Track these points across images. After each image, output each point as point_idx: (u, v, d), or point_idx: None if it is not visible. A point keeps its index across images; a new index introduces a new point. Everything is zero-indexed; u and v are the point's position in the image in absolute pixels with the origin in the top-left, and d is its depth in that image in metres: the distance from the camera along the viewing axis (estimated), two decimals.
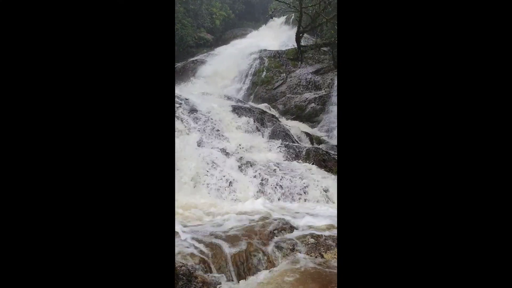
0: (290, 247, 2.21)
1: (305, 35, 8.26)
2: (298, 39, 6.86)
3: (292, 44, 8.78)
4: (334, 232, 2.48)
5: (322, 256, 2.17)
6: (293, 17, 10.33)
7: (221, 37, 12.69)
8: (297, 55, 7.34)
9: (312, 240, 2.26)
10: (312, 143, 5.84)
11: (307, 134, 6.21)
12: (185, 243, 2.15)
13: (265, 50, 9.18)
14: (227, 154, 4.47)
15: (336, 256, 2.18)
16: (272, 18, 10.97)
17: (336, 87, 7.60)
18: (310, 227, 2.62)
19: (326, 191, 3.78)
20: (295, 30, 8.06)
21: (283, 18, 11.79)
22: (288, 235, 2.39)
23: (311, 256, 2.15)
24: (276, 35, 11.26)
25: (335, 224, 2.70)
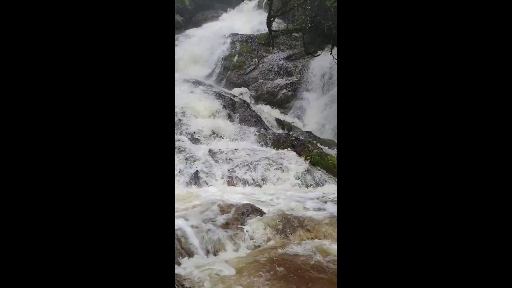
0: (257, 230, 2.26)
1: (277, 19, 8.16)
2: (269, 23, 6.76)
3: (264, 28, 8.67)
4: (300, 214, 2.57)
5: (287, 238, 2.25)
6: (265, 0, 10.15)
7: (191, 19, 12.18)
8: (269, 40, 7.27)
9: (279, 223, 2.34)
10: (283, 129, 5.92)
11: (278, 120, 6.28)
12: None
13: (236, 34, 8.98)
14: (196, 140, 4.40)
15: (301, 239, 2.28)
16: (244, 1, 10.67)
17: (307, 73, 7.68)
18: (278, 210, 2.69)
19: (295, 176, 3.88)
20: (267, 14, 7.93)
21: (255, 1, 11.53)
22: (256, 219, 2.44)
23: (277, 237, 2.22)
24: (248, 19, 11.02)
25: (301, 207, 2.80)
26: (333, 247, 2.09)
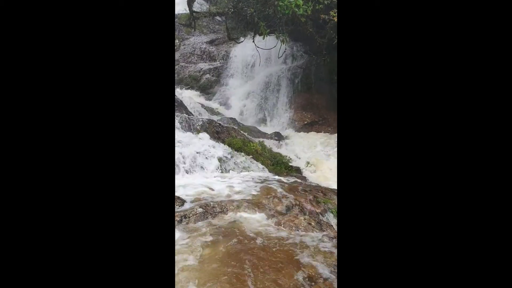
0: (177, 219, 2.18)
1: (199, 0, 7.80)
2: (190, 3, 6.42)
3: (184, 8, 8.19)
4: (222, 198, 2.59)
5: (210, 223, 2.24)
6: None
7: None
8: (190, 21, 6.92)
9: (200, 210, 2.30)
10: (207, 115, 5.80)
11: (202, 105, 6.13)
12: None
13: None
14: None
15: (225, 220, 2.30)
16: None
17: (231, 60, 7.65)
18: (199, 197, 2.65)
19: (219, 162, 3.87)
20: None
21: None
22: (177, 209, 2.35)
23: (199, 223, 2.19)
24: None
25: (223, 192, 2.83)
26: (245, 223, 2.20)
